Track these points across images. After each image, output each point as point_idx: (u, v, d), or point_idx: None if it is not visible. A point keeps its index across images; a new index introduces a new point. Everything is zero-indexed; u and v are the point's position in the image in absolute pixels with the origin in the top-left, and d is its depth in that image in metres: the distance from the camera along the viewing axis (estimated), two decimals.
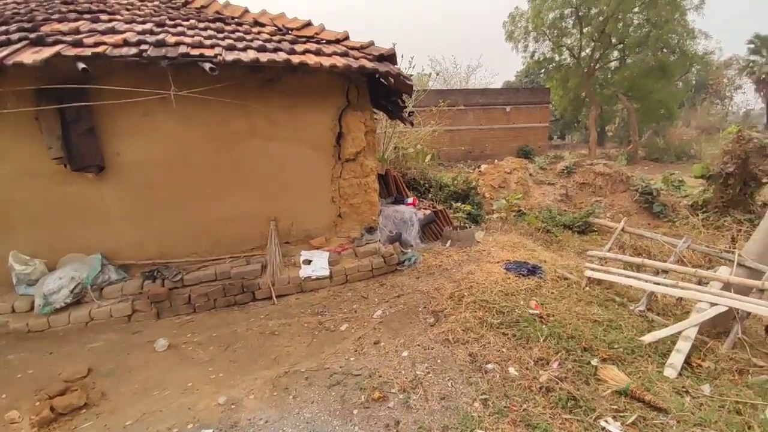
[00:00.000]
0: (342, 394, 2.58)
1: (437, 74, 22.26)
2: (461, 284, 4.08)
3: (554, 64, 24.75)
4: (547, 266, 4.63)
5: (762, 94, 29.32)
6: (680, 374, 2.75)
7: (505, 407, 2.42)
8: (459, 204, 7.68)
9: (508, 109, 21.26)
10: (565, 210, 9.54)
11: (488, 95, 21.69)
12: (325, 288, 4.25)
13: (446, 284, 4.15)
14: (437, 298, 3.88)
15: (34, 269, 3.69)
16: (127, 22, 4.35)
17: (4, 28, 3.81)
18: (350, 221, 5.10)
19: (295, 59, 4.02)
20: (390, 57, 4.45)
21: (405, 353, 3.02)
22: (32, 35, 3.59)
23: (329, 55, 4.32)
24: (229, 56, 3.79)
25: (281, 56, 4.01)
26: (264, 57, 3.91)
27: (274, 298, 4.05)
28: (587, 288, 4.05)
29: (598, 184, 10.82)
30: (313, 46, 4.44)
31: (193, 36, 4.12)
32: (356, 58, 4.36)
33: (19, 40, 3.52)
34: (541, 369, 2.80)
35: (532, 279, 4.19)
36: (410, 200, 6.21)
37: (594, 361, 2.85)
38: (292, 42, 4.58)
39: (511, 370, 2.81)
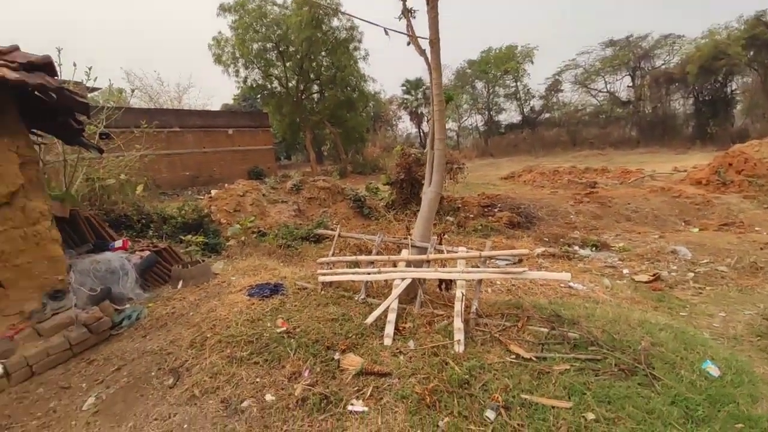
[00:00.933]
0: None
1: (133, 91, 19.29)
2: (202, 326, 3.69)
3: (267, 91, 26.47)
4: (287, 281, 4.86)
5: (414, 122, 42.18)
6: (393, 339, 3.51)
7: None
8: (190, 236, 6.92)
9: (230, 131, 21.03)
10: (301, 223, 10.38)
11: (207, 117, 20.76)
12: (3, 392, 2.83)
13: (183, 332, 3.64)
14: (174, 352, 3.34)
15: None
16: None
17: None
18: (19, 290, 3.61)
19: None
20: (45, 66, 3.45)
21: None
22: None
23: None
24: None
25: None
26: None
27: None
28: (323, 292, 4.54)
29: (322, 197, 12.41)
30: None
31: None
32: None
33: None
34: (294, 383, 2.90)
35: (276, 297, 4.30)
36: (118, 244, 5.02)
37: (336, 355, 3.21)
38: None
39: (268, 396, 2.78)
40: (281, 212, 11.33)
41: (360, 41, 25.20)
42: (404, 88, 39.60)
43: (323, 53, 24.46)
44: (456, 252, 4.28)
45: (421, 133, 41.27)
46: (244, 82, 24.82)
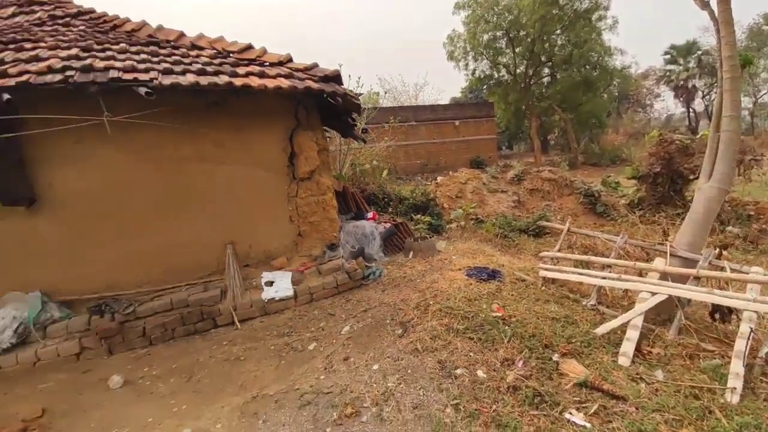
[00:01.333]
0: (314, 413, 2.52)
1: (386, 92, 22.96)
2: (426, 293, 4.15)
3: (494, 80, 26.32)
4: (505, 270, 4.83)
5: (681, 98, 32.70)
6: (633, 362, 2.96)
7: (476, 410, 2.47)
8: (419, 216, 7.85)
9: (457, 123, 22.20)
10: (519, 215, 10.04)
11: (437, 111, 22.56)
12: (290, 309, 4.15)
13: (411, 295, 4.21)
14: (404, 309, 3.92)
15: None
16: (51, 49, 4.11)
17: None
18: (311, 240, 5.05)
19: (238, 82, 4.00)
20: (335, 78, 4.55)
21: (375, 366, 3.01)
22: None
23: (273, 77, 4.35)
24: (167, 80, 3.69)
25: (223, 79, 3.97)
26: (204, 80, 3.86)
27: (237, 323, 3.88)
28: (543, 288, 4.28)
29: (546, 189, 11.52)
30: (256, 69, 4.46)
31: (124, 60, 4.01)
32: (301, 80, 4.42)
33: None
34: (507, 369, 2.89)
35: (493, 283, 4.35)
36: (370, 215, 6.26)
37: (555, 357, 2.99)
38: (234, 65, 4.58)
39: (480, 372, 2.89)
40: (500, 202, 11.25)
41: (606, 8, 21.54)
42: (668, 56, 31.29)
43: (558, 31, 22.27)
44: (746, 273, 3.15)
45: (691, 114, 31.75)
46: (473, 74, 25.52)
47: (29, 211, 3.68)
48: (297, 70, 4.66)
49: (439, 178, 12.69)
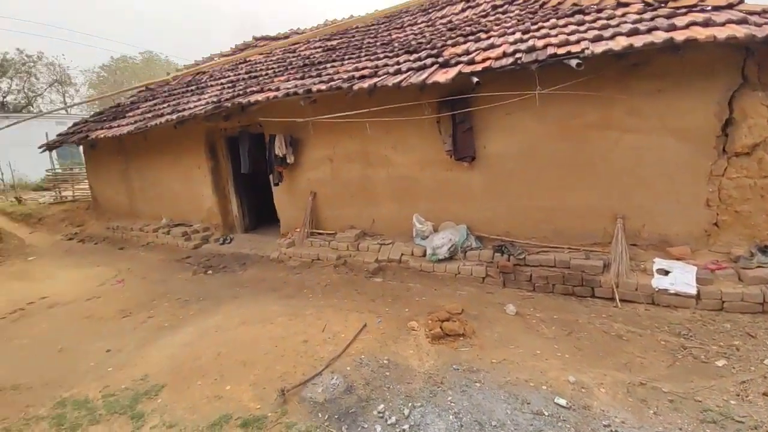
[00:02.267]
0: None
1: None
2: None
3: None
4: None
5: None
6: None
7: None
8: None
9: None
10: None
11: None
12: (687, 308, 3.56)
13: None
14: None
15: (427, 228, 5.17)
16: (500, 36, 5.08)
17: (416, 55, 5.35)
18: (732, 233, 3.96)
19: (679, 36, 3.46)
20: None
21: None
22: (439, 59, 4.86)
23: (722, 25, 3.47)
24: (598, 48, 3.71)
25: (659, 36, 3.54)
26: (639, 41, 3.59)
27: (618, 301, 3.79)
28: None
29: None
30: (698, 16, 3.66)
31: (556, 35, 4.33)
32: (758, 25, 3.31)
33: (432, 64, 4.85)
34: None
35: None
36: None
37: None
38: (669, 16, 3.95)
39: None
40: None
41: None
42: None
43: None
44: None
45: None
46: None
47: (470, 165, 5.04)
48: (751, 13, 3.60)
49: None
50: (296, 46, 9.05)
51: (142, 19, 52.75)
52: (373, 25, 8.55)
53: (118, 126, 7.48)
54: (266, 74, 7.07)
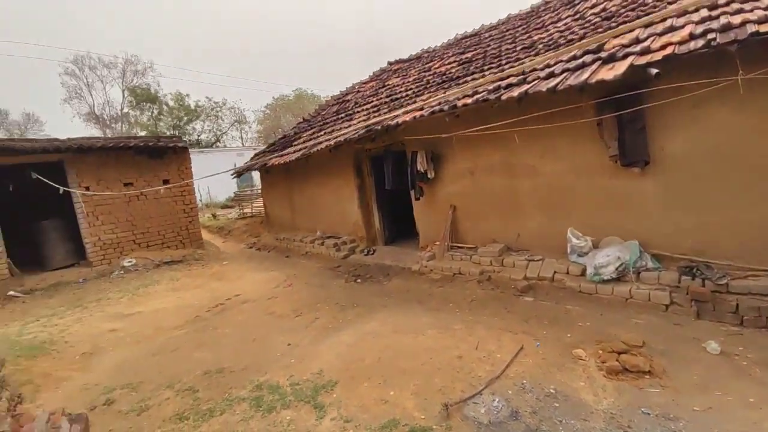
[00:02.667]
0: None
1: None
2: None
3: None
4: None
5: None
6: None
7: None
8: None
9: None
10: None
11: None
12: None
13: None
14: None
15: (585, 244, 4.62)
16: (679, 16, 4.27)
17: (570, 54, 4.87)
18: None
19: None
20: None
21: None
22: (601, 54, 4.32)
23: None
24: None
25: None
26: None
27: None
28: None
29: None
30: None
31: (752, 10, 3.44)
32: None
33: (592, 61, 4.35)
34: None
35: None
36: None
37: None
38: None
39: None
40: None
41: None
42: None
43: None
44: None
45: None
46: None
47: (641, 172, 4.33)
48: None
49: None
50: (431, 64, 9.37)
51: (293, 60, 62.69)
52: (508, 30, 8.26)
53: (287, 154, 8.91)
54: (406, 95, 7.48)
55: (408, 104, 6.50)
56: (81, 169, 8.74)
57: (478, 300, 4.82)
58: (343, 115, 9.28)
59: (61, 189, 7.48)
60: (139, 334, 5.04)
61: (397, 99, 7.65)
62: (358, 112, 8.66)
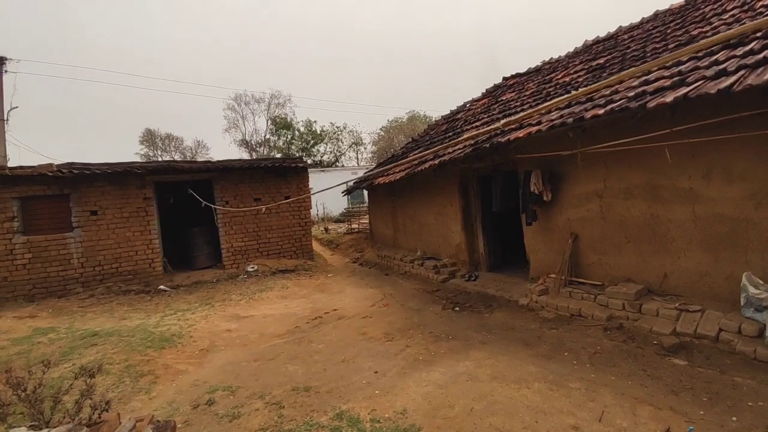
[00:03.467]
0: None
1: None
2: None
3: None
4: None
5: None
6: None
7: None
8: None
9: None
10: None
11: None
12: None
13: None
14: None
15: (767, 296, 3.35)
16: None
17: (745, 49, 3.69)
18: None
19: None
20: None
21: None
22: None
23: None
24: None
25: None
26: None
27: None
28: None
29: None
30: None
31: None
32: None
33: None
34: None
35: None
36: None
37: None
38: None
39: None
40: None
41: None
42: None
43: None
44: None
45: None
46: None
47: None
48: None
49: None
50: (552, 75, 8.48)
51: (407, 83, 65.33)
52: (656, 27, 6.94)
53: (393, 173, 8.98)
54: (522, 110, 6.82)
55: (525, 119, 5.86)
56: (223, 185, 10.24)
57: (605, 353, 3.88)
58: (451, 134, 8.99)
59: (203, 203, 8.82)
60: (246, 338, 5.44)
61: (510, 115, 7.04)
62: (467, 129, 8.26)
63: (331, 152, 38.35)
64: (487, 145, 5.47)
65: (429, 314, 5.83)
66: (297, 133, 37.11)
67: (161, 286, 8.78)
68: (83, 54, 58.68)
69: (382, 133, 39.31)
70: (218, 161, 10.42)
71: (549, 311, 5.08)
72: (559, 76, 7.96)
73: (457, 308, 5.92)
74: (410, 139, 13.49)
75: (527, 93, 8.15)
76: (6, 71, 11.71)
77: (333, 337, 5.18)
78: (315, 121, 37.36)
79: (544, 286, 5.42)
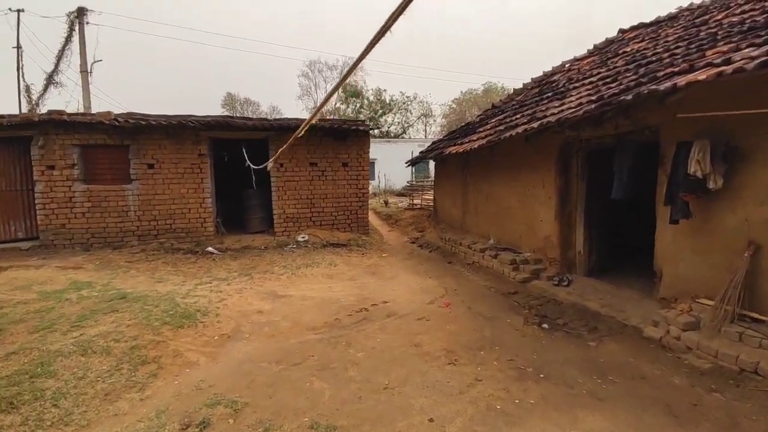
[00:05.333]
0: None
1: None
2: None
3: None
4: None
5: None
6: None
7: None
8: None
9: None
10: None
11: None
12: None
13: None
14: None
15: None
16: None
17: None
18: None
19: None
20: None
21: None
22: None
23: None
24: None
25: None
26: None
27: None
28: None
29: None
30: None
31: None
32: None
33: None
34: None
35: None
36: None
37: None
38: None
39: None
40: None
41: None
42: None
43: None
44: None
45: None
46: None
47: None
48: None
49: None
50: (705, 17, 6.12)
51: (484, 53, 60.19)
52: None
53: (469, 141, 7.39)
54: (662, 58, 4.79)
55: (693, 60, 3.90)
56: (278, 146, 9.42)
57: None
58: (549, 94, 7.05)
59: (247, 163, 8.07)
60: (277, 326, 4.50)
61: (647, 65, 5.03)
62: (575, 87, 6.32)
63: (398, 123, 36.74)
64: (629, 97, 3.66)
65: (505, 328, 4.40)
66: (366, 101, 35.93)
67: (209, 248, 8.33)
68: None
69: (454, 105, 36.60)
70: (275, 119, 9.58)
71: (702, 357, 3.36)
72: (720, 16, 5.65)
73: (545, 325, 4.41)
74: (490, 106, 11.53)
75: (670, 39, 5.93)
76: (87, 23, 11.89)
77: (378, 343, 4.02)
78: (385, 90, 35.75)
79: (689, 314, 3.67)
